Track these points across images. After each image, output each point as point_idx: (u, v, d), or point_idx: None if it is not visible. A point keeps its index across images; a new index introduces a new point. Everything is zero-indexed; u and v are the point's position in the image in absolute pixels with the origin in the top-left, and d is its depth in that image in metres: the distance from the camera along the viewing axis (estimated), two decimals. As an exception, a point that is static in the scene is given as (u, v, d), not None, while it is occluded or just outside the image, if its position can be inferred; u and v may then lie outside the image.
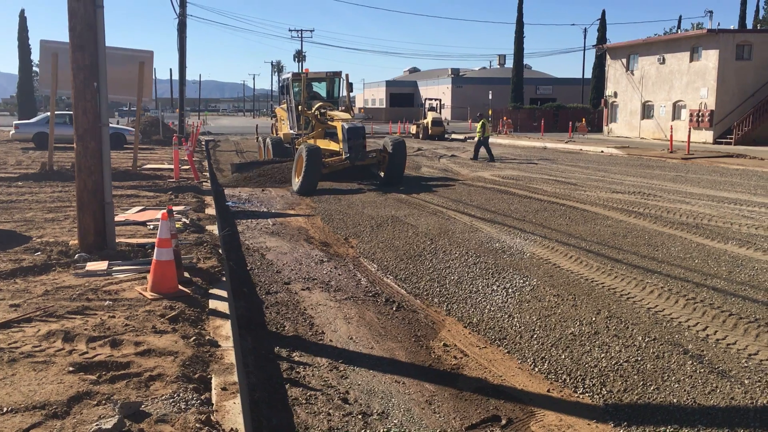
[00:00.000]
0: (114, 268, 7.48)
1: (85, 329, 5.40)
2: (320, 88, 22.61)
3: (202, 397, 4.26)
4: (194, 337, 5.34)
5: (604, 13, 65.88)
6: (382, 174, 19.02)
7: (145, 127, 37.45)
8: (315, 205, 15.40)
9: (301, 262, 10.05)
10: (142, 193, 14.50)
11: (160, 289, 6.45)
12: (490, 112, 56.45)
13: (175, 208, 12.03)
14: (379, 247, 10.66)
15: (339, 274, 9.36)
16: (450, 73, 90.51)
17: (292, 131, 22.01)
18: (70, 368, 4.59)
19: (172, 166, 18.95)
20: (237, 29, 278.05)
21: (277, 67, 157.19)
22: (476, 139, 28.18)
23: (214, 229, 10.56)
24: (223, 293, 6.91)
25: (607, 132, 49.50)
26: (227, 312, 6.31)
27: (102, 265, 7.54)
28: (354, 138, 18.21)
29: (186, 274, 7.19)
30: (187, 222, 10.44)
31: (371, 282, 8.98)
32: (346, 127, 18.19)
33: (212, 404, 4.23)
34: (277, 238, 11.85)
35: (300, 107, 20.70)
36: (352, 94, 22.61)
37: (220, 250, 9.02)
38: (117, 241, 8.60)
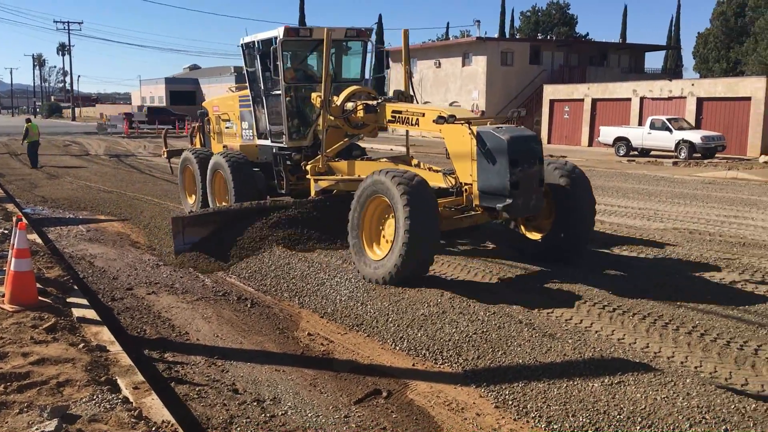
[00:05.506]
0: (-51, 284, 7.01)
1: (-42, 346, 5.19)
2: (313, 60, 12.23)
3: (121, 397, 4.42)
4: (81, 344, 5.36)
5: (380, 17, 69.73)
6: (534, 236, 9.59)
7: None
8: (120, 211, 14.82)
9: (136, 268, 9.92)
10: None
11: (20, 300, 6.26)
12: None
13: (-20, 218, 11.22)
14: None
15: (180, 277, 9.42)
16: (233, 71, 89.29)
17: (270, 142, 11.98)
18: (-32, 384, 4.48)
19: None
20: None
21: (39, 61, 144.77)
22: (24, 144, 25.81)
23: (35, 238, 10.06)
24: (83, 301, 6.86)
25: (392, 131, 52.30)
26: (98, 318, 6.32)
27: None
28: (526, 163, 8.01)
29: (38, 285, 6.96)
30: (6, 232, 9.83)
31: (216, 282, 9.19)
32: (506, 138, 7.85)
33: (131, 402, 4.41)
34: (100, 245, 11.47)
35: (315, 95, 10.85)
36: None
37: (54, 259, 8.72)
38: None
